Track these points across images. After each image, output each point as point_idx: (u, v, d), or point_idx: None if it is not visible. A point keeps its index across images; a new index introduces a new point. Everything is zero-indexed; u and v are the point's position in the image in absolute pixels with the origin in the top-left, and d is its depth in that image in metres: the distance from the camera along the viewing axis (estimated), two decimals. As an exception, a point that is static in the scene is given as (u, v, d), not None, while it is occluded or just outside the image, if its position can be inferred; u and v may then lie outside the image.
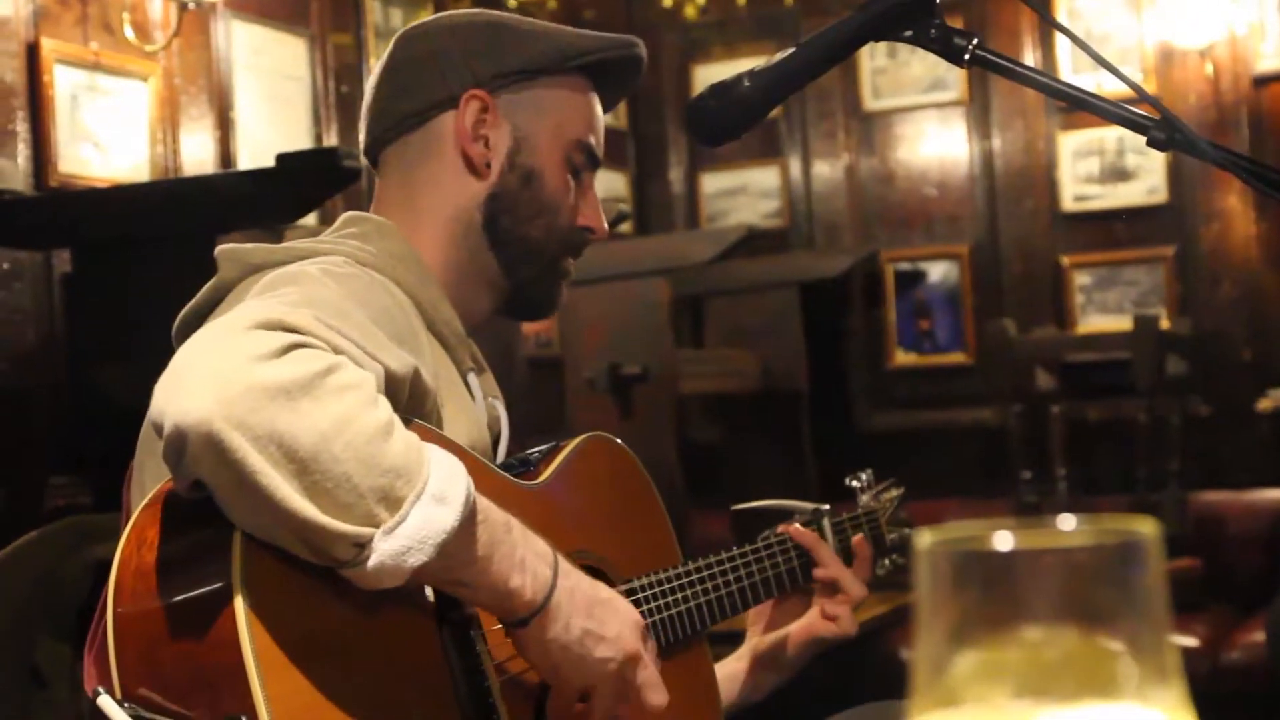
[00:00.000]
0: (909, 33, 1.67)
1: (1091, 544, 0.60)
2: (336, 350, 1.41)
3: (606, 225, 1.91)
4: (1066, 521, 0.61)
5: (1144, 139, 1.55)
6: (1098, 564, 0.60)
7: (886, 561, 2.23)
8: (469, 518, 1.43)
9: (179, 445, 1.33)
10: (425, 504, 1.38)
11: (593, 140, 1.89)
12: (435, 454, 1.43)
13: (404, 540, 1.37)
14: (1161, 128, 1.55)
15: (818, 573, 2.05)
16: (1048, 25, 6.39)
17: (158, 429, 1.35)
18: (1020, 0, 1.76)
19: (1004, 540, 0.60)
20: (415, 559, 1.38)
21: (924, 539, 0.61)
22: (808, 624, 2.06)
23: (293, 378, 1.33)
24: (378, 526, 1.36)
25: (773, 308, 6.25)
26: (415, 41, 1.88)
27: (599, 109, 1.92)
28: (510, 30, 1.87)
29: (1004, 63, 1.65)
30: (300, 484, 1.32)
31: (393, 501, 1.36)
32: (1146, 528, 0.60)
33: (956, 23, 6.06)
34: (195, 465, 1.34)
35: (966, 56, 1.64)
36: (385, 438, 1.37)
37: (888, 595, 4.64)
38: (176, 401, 1.33)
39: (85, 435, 3.81)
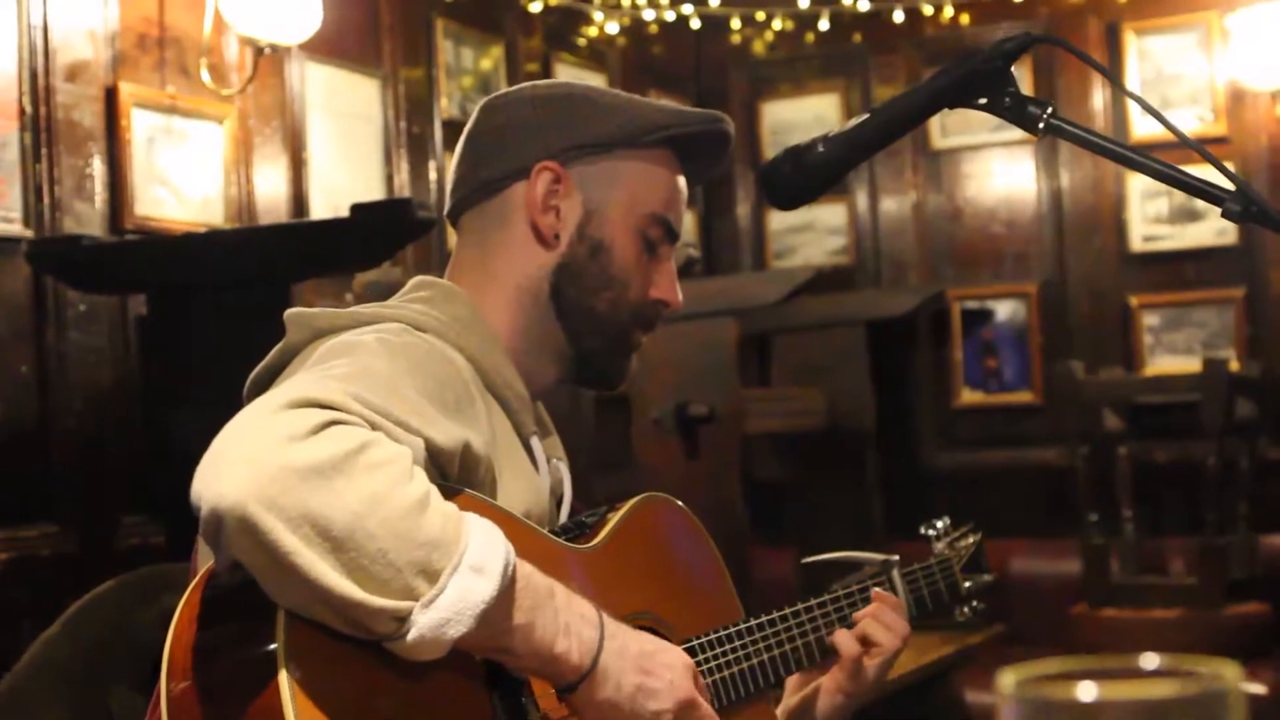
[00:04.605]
0: (983, 100, 1.69)
1: (1173, 696, 0.60)
2: (373, 426, 1.42)
3: (680, 297, 1.91)
4: (1148, 660, 0.62)
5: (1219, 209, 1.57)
6: (1180, 715, 0.60)
7: (966, 609, 2.22)
8: (509, 586, 1.45)
9: (215, 528, 1.36)
10: (463, 575, 1.39)
11: (670, 215, 1.89)
12: (474, 523, 1.44)
13: (443, 612, 1.38)
14: (1237, 199, 1.56)
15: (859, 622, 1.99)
16: (1115, 85, 6.36)
17: (195, 511, 1.38)
18: (1087, 64, 1.76)
19: (1087, 691, 0.60)
20: (455, 630, 1.40)
21: (1007, 681, 0.62)
22: (832, 677, 1.99)
23: (326, 456, 1.35)
24: (416, 600, 1.37)
25: (839, 346, 6.23)
26: (496, 112, 1.90)
27: (680, 183, 1.91)
28: (588, 103, 1.88)
29: (1078, 132, 1.66)
30: (336, 561, 1.34)
31: (430, 574, 1.38)
32: (1229, 673, 0.61)
33: (1023, 63, 6.06)
34: (231, 547, 1.36)
35: (1041, 125, 1.65)
36: (421, 511, 1.38)
37: (951, 636, 4.62)
38: (212, 485, 1.35)
39: (158, 476, 3.86)
